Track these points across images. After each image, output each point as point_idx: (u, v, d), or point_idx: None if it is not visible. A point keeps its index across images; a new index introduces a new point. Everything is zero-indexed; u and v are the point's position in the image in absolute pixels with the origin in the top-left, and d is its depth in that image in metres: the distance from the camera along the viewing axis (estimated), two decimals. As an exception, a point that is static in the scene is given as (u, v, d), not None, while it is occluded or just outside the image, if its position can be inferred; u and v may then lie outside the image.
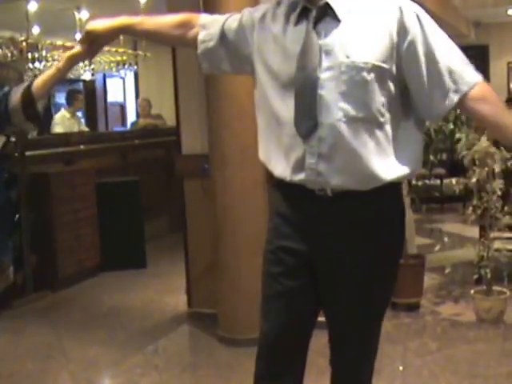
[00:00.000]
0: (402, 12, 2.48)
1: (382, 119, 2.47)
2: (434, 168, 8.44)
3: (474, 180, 5.55)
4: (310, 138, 2.47)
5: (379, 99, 2.46)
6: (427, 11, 8.46)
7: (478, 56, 14.97)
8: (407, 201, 6.35)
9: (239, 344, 5.09)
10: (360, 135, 2.44)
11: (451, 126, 5.69)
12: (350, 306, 2.64)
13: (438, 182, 10.66)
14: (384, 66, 2.46)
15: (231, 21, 2.77)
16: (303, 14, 2.55)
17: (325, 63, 2.46)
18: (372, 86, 2.45)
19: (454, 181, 10.19)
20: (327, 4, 2.49)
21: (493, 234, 5.74)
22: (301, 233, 2.60)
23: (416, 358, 5.03)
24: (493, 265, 5.61)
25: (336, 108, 2.44)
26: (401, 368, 4.96)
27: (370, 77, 2.44)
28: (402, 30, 2.47)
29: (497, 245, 5.89)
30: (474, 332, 5.47)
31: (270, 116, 2.60)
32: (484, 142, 5.51)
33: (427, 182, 10.48)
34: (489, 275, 5.57)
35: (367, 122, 2.44)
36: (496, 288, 5.65)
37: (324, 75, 2.46)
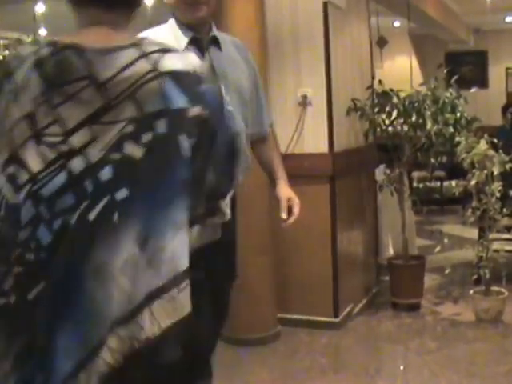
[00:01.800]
0: (249, 54, 3.35)
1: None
2: (435, 170, 8.47)
3: (473, 182, 5.55)
4: None
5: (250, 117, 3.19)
6: (429, 18, 8.46)
7: (477, 61, 14.97)
8: (408, 203, 6.35)
9: (243, 343, 5.08)
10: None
11: (451, 130, 5.69)
12: None
13: (439, 184, 10.66)
14: (252, 91, 3.22)
15: None
16: (192, 43, 3.10)
17: (221, 82, 2.90)
18: (249, 106, 3.17)
19: (453, 183, 10.18)
20: (215, 36, 3.16)
21: (491, 236, 5.74)
22: None
23: (416, 357, 5.03)
24: (491, 265, 5.60)
25: None
26: (402, 367, 4.96)
27: (248, 98, 3.16)
28: (254, 70, 3.32)
29: (495, 246, 5.89)
30: (473, 331, 5.47)
31: None
32: (483, 145, 5.52)
33: (428, 184, 10.55)
34: (487, 276, 5.57)
35: (247, 135, 3.14)
36: (494, 288, 5.65)
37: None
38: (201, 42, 3.12)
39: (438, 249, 6.64)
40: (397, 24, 12.43)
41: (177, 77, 1.66)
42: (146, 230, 1.60)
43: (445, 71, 6.38)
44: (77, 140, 1.62)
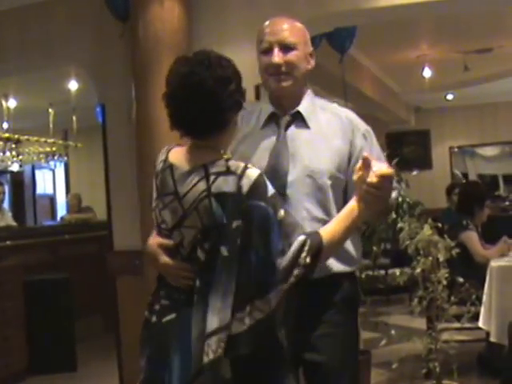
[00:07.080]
0: (354, 130, 3.08)
1: None
2: (378, 258, 8.50)
3: (418, 270, 5.58)
4: None
5: (334, 203, 2.95)
6: (367, 97, 8.62)
7: (420, 141, 15.24)
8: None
9: None
10: None
11: (393, 216, 5.75)
12: None
13: (383, 272, 10.67)
14: (340, 176, 2.99)
15: None
16: (271, 119, 3.10)
17: (292, 166, 2.92)
18: (330, 191, 2.95)
19: (397, 272, 10.21)
20: (298, 112, 3.07)
21: (440, 326, 5.74)
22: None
23: None
24: (441, 357, 5.59)
25: (301, 207, 2.88)
26: None
27: (329, 183, 2.95)
28: (353, 147, 3.04)
29: (445, 336, 5.87)
30: (426, 430, 5.43)
31: None
32: (427, 230, 5.57)
33: (371, 273, 10.57)
34: (438, 369, 5.55)
35: (326, 222, 2.77)
36: (446, 382, 5.63)
37: (291, 177, 2.91)
38: (278, 119, 3.09)
39: (383, 342, 6.61)
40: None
41: (222, 198, 2.44)
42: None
43: (384, 154, 6.46)
44: (175, 236, 2.58)
